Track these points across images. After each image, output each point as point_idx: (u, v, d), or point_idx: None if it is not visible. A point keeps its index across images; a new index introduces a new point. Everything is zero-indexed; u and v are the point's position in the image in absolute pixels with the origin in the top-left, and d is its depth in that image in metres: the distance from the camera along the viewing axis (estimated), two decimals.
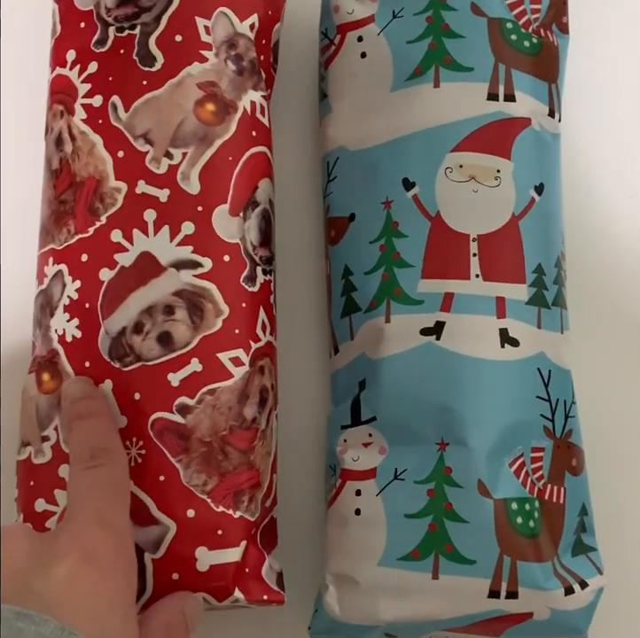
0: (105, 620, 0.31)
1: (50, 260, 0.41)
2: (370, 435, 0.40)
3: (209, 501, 0.38)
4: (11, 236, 0.49)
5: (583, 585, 0.39)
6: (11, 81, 0.51)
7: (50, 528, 0.38)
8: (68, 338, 0.39)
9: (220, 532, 0.38)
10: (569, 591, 0.39)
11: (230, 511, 0.38)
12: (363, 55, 0.43)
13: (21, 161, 0.50)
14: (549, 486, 0.40)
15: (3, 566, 0.32)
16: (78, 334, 0.39)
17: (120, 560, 0.34)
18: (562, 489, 0.40)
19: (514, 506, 0.38)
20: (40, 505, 0.38)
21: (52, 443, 0.39)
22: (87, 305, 0.39)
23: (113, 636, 0.31)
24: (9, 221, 0.50)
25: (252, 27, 0.43)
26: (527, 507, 0.38)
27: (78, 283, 0.40)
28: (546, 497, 0.39)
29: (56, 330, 0.40)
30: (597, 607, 0.40)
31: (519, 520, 0.38)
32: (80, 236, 0.40)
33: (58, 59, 0.43)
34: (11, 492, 0.41)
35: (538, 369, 0.40)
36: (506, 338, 0.39)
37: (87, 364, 0.39)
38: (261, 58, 0.43)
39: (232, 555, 0.38)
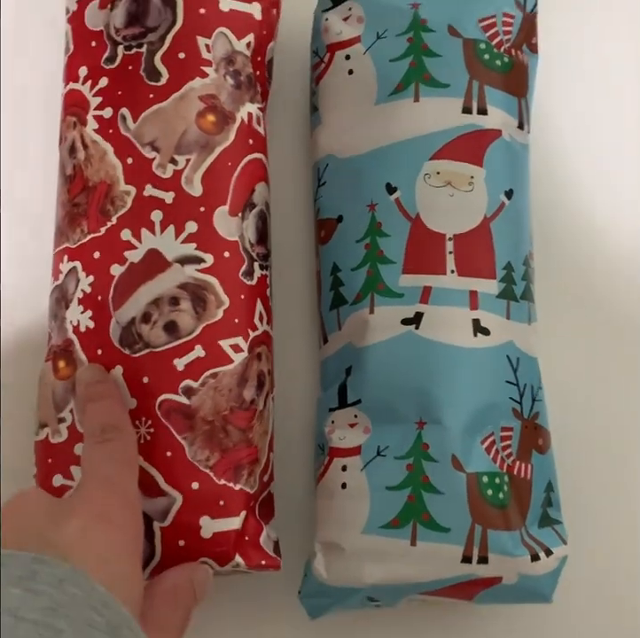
0: (114, 566, 0.32)
1: (65, 257, 0.43)
2: (356, 416, 0.42)
3: (212, 474, 0.39)
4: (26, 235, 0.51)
5: (548, 553, 0.41)
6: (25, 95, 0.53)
7: None
8: (82, 329, 0.41)
9: (222, 502, 0.39)
10: (535, 558, 0.40)
11: (231, 484, 0.40)
12: (351, 72, 0.45)
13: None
14: (517, 462, 0.41)
15: (19, 522, 0.33)
16: (91, 324, 0.41)
17: (129, 518, 0.35)
18: (529, 466, 0.42)
19: (485, 479, 0.40)
20: (58, 480, 0.40)
21: (68, 424, 0.41)
22: (99, 298, 0.41)
23: (121, 580, 0.32)
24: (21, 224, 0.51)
25: (248, 45, 0.45)
26: (497, 481, 0.40)
27: (91, 278, 0.41)
28: (514, 472, 0.41)
29: (71, 322, 0.42)
30: (560, 574, 0.42)
31: (490, 492, 0.40)
32: (92, 235, 0.42)
33: (71, 75, 0.45)
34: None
35: (507, 356, 0.42)
36: (478, 328, 0.41)
37: (99, 352, 0.41)
38: (257, 73, 0.45)
39: (233, 523, 0.39)
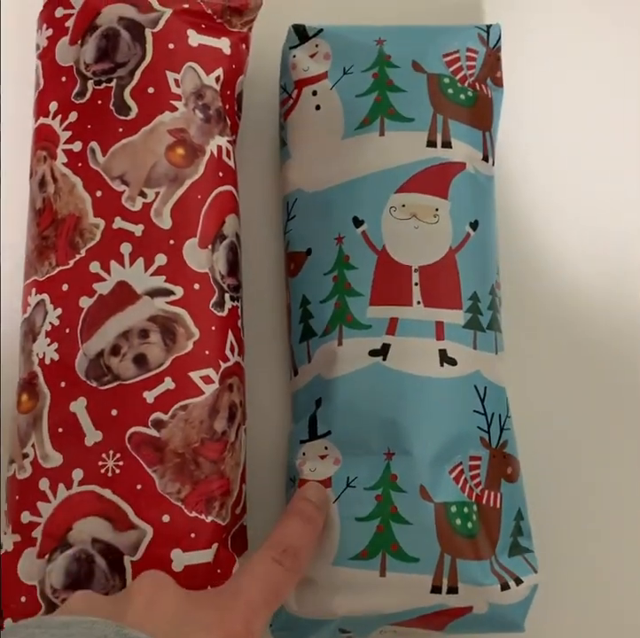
0: None
1: (33, 290, 0.43)
2: (326, 448, 0.42)
3: (183, 507, 0.39)
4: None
5: (518, 581, 0.41)
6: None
7: (36, 537, 0.39)
8: (47, 361, 0.41)
9: (193, 535, 0.39)
10: (505, 587, 0.40)
11: (203, 516, 0.39)
12: (318, 107, 0.46)
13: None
14: (486, 491, 0.42)
15: (158, 612, 0.32)
16: (56, 357, 0.41)
17: None
18: (498, 495, 0.42)
19: (454, 509, 0.40)
20: (25, 517, 0.40)
21: (31, 459, 0.40)
22: (67, 330, 0.41)
23: None
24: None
25: (217, 79, 0.45)
26: (466, 510, 0.40)
27: (59, 311, 0.41)
28: (483, 502, 0.41)
29: (37, 354, 0.41)
30: (531, 602, 0.42)
31: (458, 522, 0.40)
32: (61, 267, 0.42)
33: (41, 110, 0.45)
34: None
35: (474, 386, 0.42)
36: (445, 358, 0.42)
37: (62, 384, 0.40)
38: (227, 106, 0.46)
39: (205, 556, 0.39)
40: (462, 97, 0.45)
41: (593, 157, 0.54)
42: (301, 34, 0.48)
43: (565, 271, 0.52)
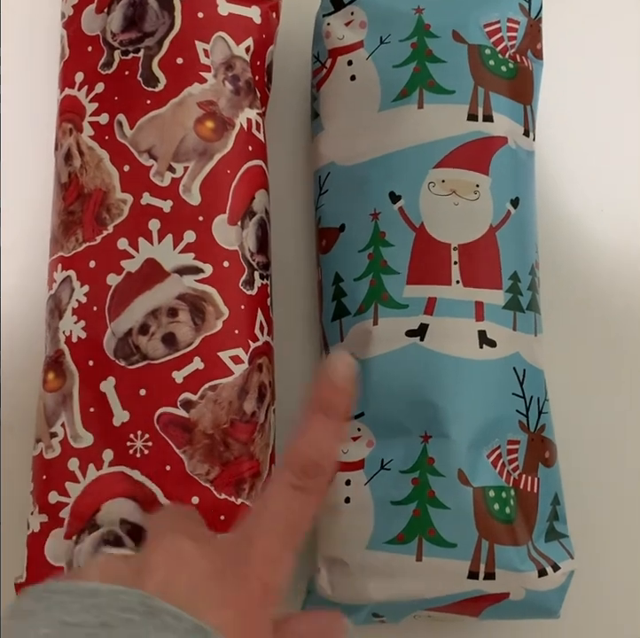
0: None
1: (59, 266, 0.42)
2: (359, 429, 0.42)
3: (212, 488, 0.39)
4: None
5: (556, 568, 0.40)
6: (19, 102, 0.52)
7: (64, 518, 0.39)
8: (74, 339, 0.40)
9: (222, 517, 0.39)
10: (542, 573, 0.40)
11: (232, 498, 0.39)
12: (353, 78, 0.45)
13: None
14: (523, 476, 0.41)
15: (178, 573, 0.30)
16: (83, 335, 0.40)
17: (264, 618, 0.31)
18: (536, 479, 0.41)
19: (491, 494, 0.39)
20: (53, 497, 0.39)
21: (60, 439, 0.40)
22: (94, 308, 0.40)
23: None
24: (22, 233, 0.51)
25: (247, 49, 0.44)
26: (504, 495, 0.40)
27: (86, 288, 0.41)
28: (521, 486, 0.41)
29: (63, 332, 0.41)
30: (568, 589, 0.41)
31: (496, 507, 0.39)
32: (88, 244, 0.41)
33: (66, 81, 0.44)
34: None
35: (514, 369, 0.41)
36: (484, 340, 0.41)
37: (90, 363, 0.40)
38: (256, 78, 0.45)
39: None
40: (503, 68, 0.44)
41: (635, 132, 0.53)
42: (336, 1, 0.46)
43: (602, 252, 0.52)
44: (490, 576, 0.39)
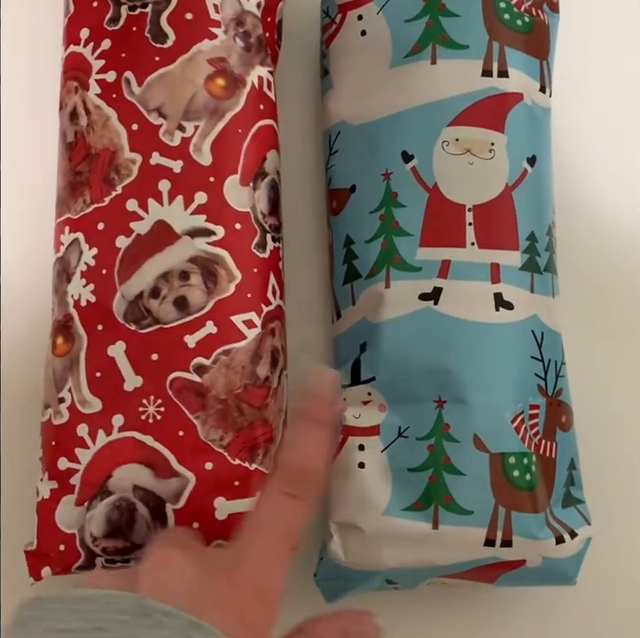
0: None
1: (67, 228, 0.41)
2: (369, 394, 0.41)
3: (226, 454, 0.38)
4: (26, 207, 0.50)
5: (573, 535, 0.40)
6: (18, 59, 0.51)
7: (75, 484, 0.39)
8: (83, 303, 0.40)
9: (237, 483, 0.38)
10: (560, 540, 0.40)
11: (246, 464, 0.39)
12: (363, 33, 0.43)
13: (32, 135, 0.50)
14: (543, 441, 0.40)
15: (166, 578, 0.30)
16: (92, 299, 0.40)
17: (263, 621, 0.31)
18: (554, 444, 0.41)
19: (512, 460, 0.39)
20: (63, 463, 0.39)
21: (68, 404, 0.39)
22: (103, 271, 0.40)
23: None
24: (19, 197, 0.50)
25: (258, 5, 0.43)
26: (525, 461, 0.39)
27: (95, 250, 0.40)
28: (541, 452, 0.40)
29: (72, 296, 0.40)
30: (584, 556, 0.41)
31: (516, 473, 0.39)
32: (96, 205, 0.40)
33: (71, 37, 0.43)
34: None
35: (532, 331, 0.41)
36: (501, 302, 0.40)
37: (100, 327, 0.39)
38: (267, 34, 0.44)
39: (249, 504, 0.38)
40: (518, 22, 0.43)
41: None
42: None
43: (619, 210, 0.51)
44: (507, 543, 0.39)
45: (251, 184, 0.41)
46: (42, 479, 0.40)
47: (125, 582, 0.30)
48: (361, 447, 0.41)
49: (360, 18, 0.44)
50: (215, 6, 0.42)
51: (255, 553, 0.31)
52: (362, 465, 0.40)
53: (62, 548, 0.39)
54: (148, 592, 0.29)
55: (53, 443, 0.40)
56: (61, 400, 0.40)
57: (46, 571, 0.39)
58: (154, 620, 0.26)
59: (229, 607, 0.30)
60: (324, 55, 0.46)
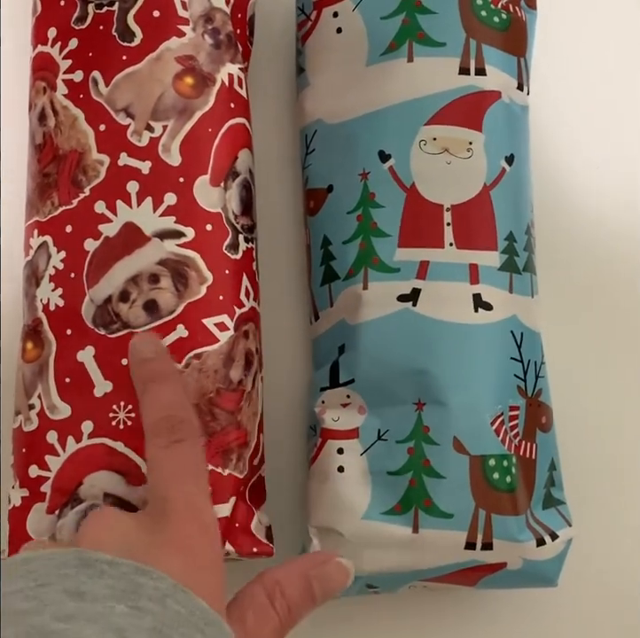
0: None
1: (35, 231, 0.41)
2: (348, 396, 0.41)
3: None
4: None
5: (554, 536, 0.40)
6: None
7: (45, 492, 0.38)
8: (51, 307, 0.39)
9: (209, 489, 0.37)
10: (541, 542, 0.39)
11: (219, 469, 0.38)
12: (339, 30, 0.43)
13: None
14: (523, 442, 0.40)
15: (104, 538, 0.31)
16: (61, 303, 0.39)
17: (208, 547, 0.32)
18: (534, 445, 0.41)
19: (492, 462, 0.39)
20: (33, 471, 0.39)
21: (37, 411, 0.39)
22: (72, 274, 0.39)
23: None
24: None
25: (227, 1, 0.42)
26: (505, 463, 0.39)
27: (63, 254, 0.39)
28: (521, 453, 0.40)
29: (40, 300, 0.40)
30: (566, 557, 0.41)
31: (496, 476, 0.39)
32: (64, 207, 0.40)
33: (39, 37, 0.43)
34: None
35: (511, 332, 0.40)
36: (480, 303, 0.40)
37: (68, 332, 0.39)
38: (238, 31, 0.43)
39: (222, 510, 0.38)
40: (495, 19, 0.43)
41: (632, 85, 0.52)
42: None
43: (598, 209, 0.51)
44: (488, 546, 0.39)
45: (222, 184, 0.40)
46: (13, 487, 0.40)
47: (66, 545, 0.31)
48: (340, 451, 0.40)
49: (335, 15, 0.43)
50: (183, 3, 0.41)
51: (178, 499, 0.32)
52: (341, 469, 0.40)
53: None
54: (90, 547, 0.29)
55: (24, 450, 0.39)
56: (31, 407, 0.39)
57: None
58: (97, 570, 0.26)
59: (176, 548, 0.30)
60: (300, 52, 0.46)
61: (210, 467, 0.38)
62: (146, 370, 0.36)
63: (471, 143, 0.41)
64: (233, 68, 0.42)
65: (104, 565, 0.26)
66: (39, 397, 0.39)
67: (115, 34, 0.41)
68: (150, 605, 0.25)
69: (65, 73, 0.41)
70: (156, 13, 0.41)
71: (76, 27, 0.41)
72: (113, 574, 0.26)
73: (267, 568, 0.34)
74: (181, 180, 0.39)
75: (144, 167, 0.39)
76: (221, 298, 0.39)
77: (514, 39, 0.43)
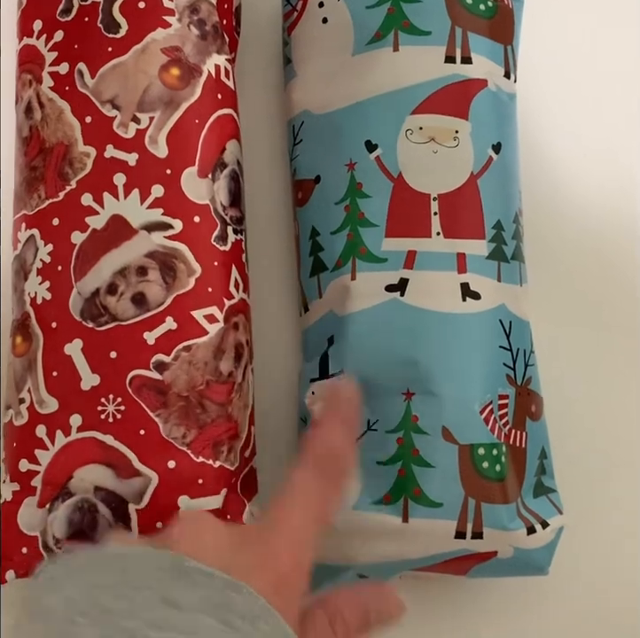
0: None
1: (23, 225, 0.41)
2: None
3: (189, 452, 0.38)
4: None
5: (544, 524, 0.40)
6: None
7: (36, 486, 0.38)
8: (39, 301, 0.39)
9: (200, 481, 0.38)
10: (531, 531, 0.39)
11: (210, 461, 0.38)
12: (325, 20, 0.43)
13: None
14: (513, 431, 0.40)
15: (200, 547, 0.30)
16: (48, 296, 0.39)
17: (302, 587, 0.31)
18: (524, 434, 0.41)
19: (481, 451, 0.39)
20: (23, 465, 0.38)
21: (28, 405, 0.39)
22: (59, 267, 0.39)
23: None
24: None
25: None
26: (495, 452, 0.39)
27: (50, 247, 0.39)
28: (511, 442, 0.40)
29: (28, 294, 0.40)
30: (557, 545, 0.41)
31: (485, 464, 0.39)
32: (50, 200, 0.40)
33: (24, 30, 0.42)
34: None
35: (500, 321, 0.40)
36: (468, 292, 0.40)
37: (54, 325, 0.39)
38: (224, 22, 0.43)
39: (213, 502, 0.38)
40: (481, 7, 0.42)
41: (619, 72, 0.52)
42: None
43: (586, 197, 0.51)
44: (478, 535, 0.39)
45: (210, 176, 0.40)
46: (4, 481, 0.39)
47: (158, 544, 0.30)
48: None
49: (321, 5, 0.43)
50: None
51: (289, 528, 0.32)
52: None
53: (25, 550, 0.38)
54: (184, 552, 0.28)
55: (14, 444, 0.39)
56: (21, 401, 0.39)
57: (10, 574, 0.39)
58: (192, 580, 0.26)
59: (266, 574, 0.29)
60: (286, 43, 0.46)
61: (201, 459, 0.38)
62: (342, 407, 0.36)
63: (457, 132, 0.41)
64: (220, 59, 0.42)
65: (199, 576, 0.26)
66: (29, 391, 0.39)
67: (101, 25, 0.40)
68: (239, 623, 0.25)
69: (50, 65, 0.41)
70: (141, 4, 0.41)
71: (62, 19, 0.41)
72: (208, 585, 0.26)
73: (327, 591, 0.34)
74: (168, 172, 0.39)
75: (131, 159, 0.39)
76: (210, 290, 0.39)
77: (501, 27, 0.43)
